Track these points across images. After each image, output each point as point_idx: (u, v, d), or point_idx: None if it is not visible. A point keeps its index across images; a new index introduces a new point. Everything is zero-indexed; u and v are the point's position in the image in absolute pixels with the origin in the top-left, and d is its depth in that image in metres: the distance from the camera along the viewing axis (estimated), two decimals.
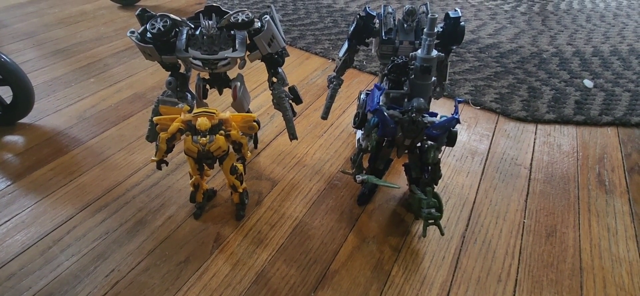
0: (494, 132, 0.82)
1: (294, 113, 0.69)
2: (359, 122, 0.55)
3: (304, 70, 1.05)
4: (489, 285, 0.54)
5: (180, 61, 0.61)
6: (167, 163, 0.56)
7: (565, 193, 0.68)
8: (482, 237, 0.60)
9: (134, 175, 0.70)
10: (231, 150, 0.57)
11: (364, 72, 1.04)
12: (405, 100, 0.57)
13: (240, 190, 0.61)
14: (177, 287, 0.53)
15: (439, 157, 0.55)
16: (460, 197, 0.67)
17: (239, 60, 0.60)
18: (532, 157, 0.76)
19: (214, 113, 0.53)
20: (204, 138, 0.51)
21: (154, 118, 0.53)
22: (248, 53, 0.60)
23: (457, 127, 0.53)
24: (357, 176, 0.55)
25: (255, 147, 0.77)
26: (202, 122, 0.51)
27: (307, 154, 0.76)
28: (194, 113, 0.52)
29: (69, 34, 1.22)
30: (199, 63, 0.59)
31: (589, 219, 0.63)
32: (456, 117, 0.51)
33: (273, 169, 0.72)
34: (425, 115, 0.53)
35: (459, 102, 0.52)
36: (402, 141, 0.54)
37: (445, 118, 0.52)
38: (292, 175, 0.71)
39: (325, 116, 0.71)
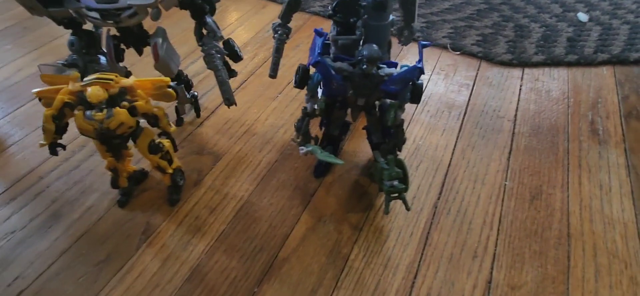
0: (475, 80, 0.72)
1: (233, 73, 0.57)
2: (299, 79, 0.44)
3: (260, 20, 0.91)
4: (462, 262, 0.46)
5: (76, 14, 0.48)
6: (64, 147, 0.45)
7: (553, 147, 0.59)
8: (456, 206, 0.52)
9: (50, 159, 0.59)
10: (145, 125, 0.46)
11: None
12: (360, 48, 0.45)
13: (170, 171, 0.51)
14: (94, 292, 0.44)
15: (402, 118, 0.45)
16: (433, 159, 0.58)
17: (149, 10, 0.48)
18: (517, 107, 0.66)
19: (111, 79, 0.41)
20: (99, 113, 0.40)
21: (33, 91, 0.41)
22: None
23: (424, 78, 0.43)
24: (300, 147, 0.45)
25: (198, 116, 0.66)
26: (94, 93, 0.40)
27: (257, 121, 0.65)
28: (85, 82, 0.40)
29: None
30: (96, 15, 0.46)
31: (580, 176, 0.54)
32: (419, 66, 0.40)
33: (217, 141, 0.62)
34: (381, 65, 0.42)
35: (424, 45, 0.41)
36: (355, 100, 0.43)
37: (405, 68, 0.41)
38: (239, 147, 0.61)
39: (273, 74, 0.59)
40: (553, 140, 0.60)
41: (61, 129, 0.43)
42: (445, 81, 0.72)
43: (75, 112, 0.41)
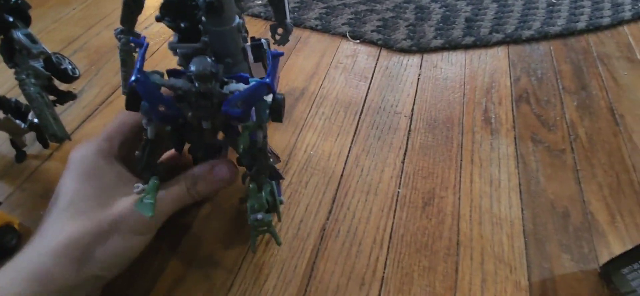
0: (374, 72, 0.67)
1: (69, 96, 0.46)
2: (127, 100, 0.35)
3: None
4: (349, 293, 0.41)
5: None
6: None
7: (447, 142, 0.56)
8: (346, 226, 0.47)
9: None
10: None
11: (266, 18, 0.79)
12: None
13: None
14: None
15: (266, 139, 0.38)
16: (325, 172, 0.52)
17: None
18: (414, 100, 0.62)
19: None
20: None
21: None
22: None
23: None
24: (135, 185, 0.36)
25: (45, 147, 0.53)
26: None
27: None
28: None
29: None
30: None
31: (471, 173, 0.52)
32: (266, 81, 0.32)
33: None
34: (229, 80, 0.34)
35: (275, 55, 0.34)
36: (198, 125, 0.35)
37: (254, 82, 0.34)
38: None
39: (126, 91, 0.48)
40: (448, 134, 0.57)
41: None
42: (344, 75, 0.66)
43: None
